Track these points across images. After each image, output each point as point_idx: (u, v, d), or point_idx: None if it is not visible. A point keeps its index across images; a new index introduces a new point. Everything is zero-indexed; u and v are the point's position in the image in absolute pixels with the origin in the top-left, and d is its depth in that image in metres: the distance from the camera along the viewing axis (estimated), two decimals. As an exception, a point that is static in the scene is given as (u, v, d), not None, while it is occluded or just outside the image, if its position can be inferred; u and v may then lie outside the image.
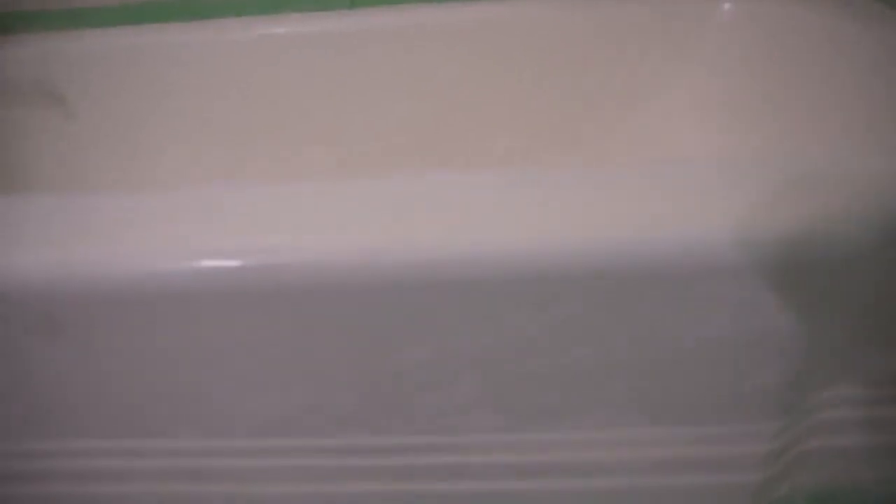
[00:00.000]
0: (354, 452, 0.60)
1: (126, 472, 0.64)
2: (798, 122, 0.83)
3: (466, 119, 1.03)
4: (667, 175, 0.51)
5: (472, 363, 0.53)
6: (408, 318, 0.49)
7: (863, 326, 0.54)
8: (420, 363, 0.52)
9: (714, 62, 0.89)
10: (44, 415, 0.60)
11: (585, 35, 0.95)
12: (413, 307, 0.49)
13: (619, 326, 0.51)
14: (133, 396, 0.57)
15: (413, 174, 0.53)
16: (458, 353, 0.52)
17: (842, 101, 0.77)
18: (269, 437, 0.60)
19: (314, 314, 0.50)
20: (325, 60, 0.99)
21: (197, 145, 1.10)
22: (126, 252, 0.49)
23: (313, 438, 0.60)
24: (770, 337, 0.51)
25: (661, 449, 0.62)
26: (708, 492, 0.63)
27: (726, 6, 0.86)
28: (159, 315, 0.51)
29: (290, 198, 0.51)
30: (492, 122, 1.03)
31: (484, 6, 0.98)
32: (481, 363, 0.53)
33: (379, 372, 0.53)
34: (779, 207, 0.46)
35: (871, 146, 0.67)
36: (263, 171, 1.09)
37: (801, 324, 0.50)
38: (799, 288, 0.49)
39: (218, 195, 0.51)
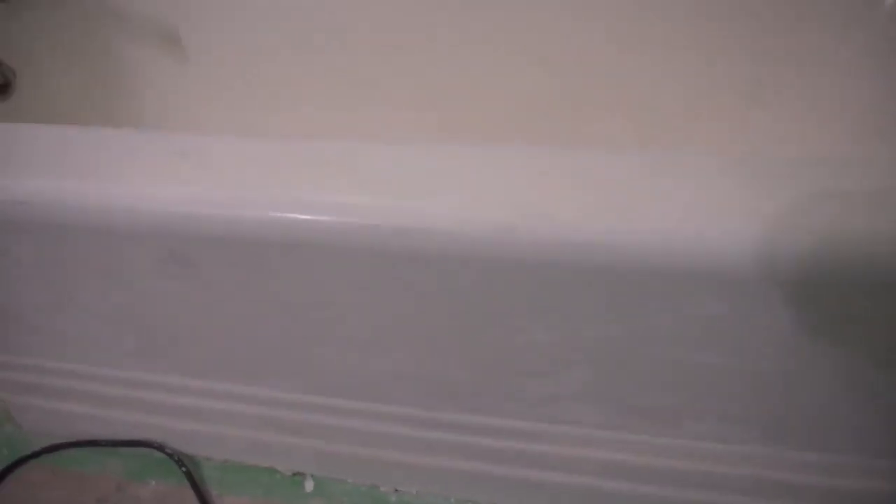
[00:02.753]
0: (447, 427, 0.59)
1: (220, 415, 0.65)
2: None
3: (584, 94, 0.99)
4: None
5: (589, 353, 0.50)
6: (535, 298, 0.47)
7: None
8: (537, 346, 0.50)
9: (866, 60, 0.81)
10: (155, 349, 0.61)
11: (728, 11, 0.89)
12: (543, 288, 0.46)
13: (758, 333, 0.48)
14: (241, 341, 0.58)
15: (559, 148, 0.49)
16: (579, 340, 0.49)
17: None
18: (365, 400, 0.59)
19: (437, 282, 0.48)
20: (450, 18, 0.97)
21: (305, 97, 1.10)
22: (254, 196, 0.48)
23: (409, 408, 0.59)
24: None
25: (771, 471, 0.58)
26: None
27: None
28: (279, 264, 0.50)
29: (425, 159, 0.49)
30: (609, 100, 0.98)
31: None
32: (599, 354, 0.50)
33: (493, 350, 0.51)
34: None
35: None
36: (367, 128, 1.08)
37: None
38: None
39: (353, 149, 0.49)
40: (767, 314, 0.46)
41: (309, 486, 0.67)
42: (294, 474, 0.68)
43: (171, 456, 0.69)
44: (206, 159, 0.52)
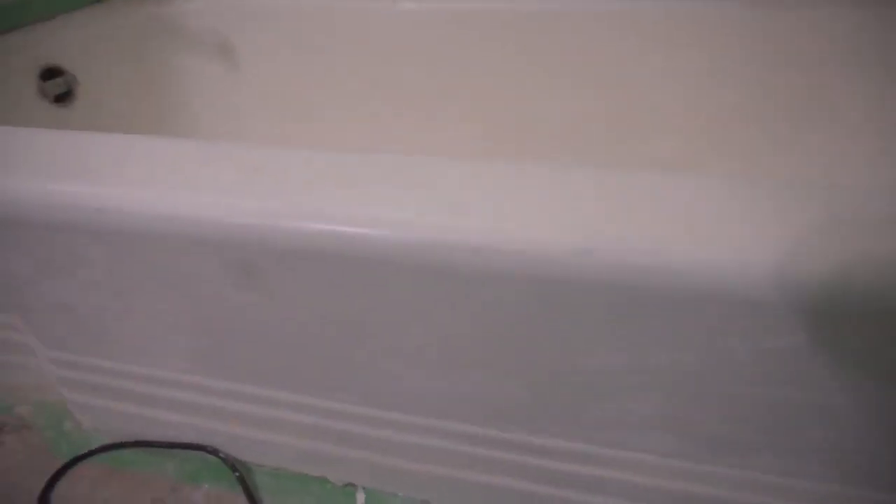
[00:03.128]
0: (505, 446, 0.58)
1: (274, 422, 0.65)
2: None
3: (634, 115, 0.97)
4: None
5: (661, 379, 0.49)
6: (606, 321, 0.46)
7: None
8: (607, 371, 0.49)
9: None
10: (214, 355, 0.62)
11: (786, 35, 0.87)
12: (614, 311, 0.45)
13: (837, 369, 0.46)
14: (301, 352, 0.58)
15: (631, 170, 0.48)
16: (652, 366, 0.48)
17: None
18: (422, 415, 0.59)
19: (506, 303, 0.47)
20: (505, 39, 0.97)
21: (348, 109, 1.11)
22: (323, 210, 0.48)
23: (466, 425, 0.58)
24: None
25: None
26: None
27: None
28: (345, 278, 0.50)
29: (499, 176, 0.48)
30: (661, 122, 0.97)
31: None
32: (671, 381, 0.49)
33: (558, 372, 0.50)
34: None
35: None
36: (412, 143, 1.08)
37: None
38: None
39: (426, 164, 0.49)
40: (850, 349, 0.44)
41: (360, 498, 0.67)
42: (345, 485, 0.68)
43: (224, 461, 0.70)
44: (277, 172, 0.52)
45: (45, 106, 0.89)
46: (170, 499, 0.69)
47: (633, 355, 0.47)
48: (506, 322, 0.49)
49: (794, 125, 0.95)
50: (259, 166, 0.53)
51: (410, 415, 0.59)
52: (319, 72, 1.09)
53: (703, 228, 0.43)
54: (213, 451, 0.70)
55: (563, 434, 0.55)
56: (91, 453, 0.73)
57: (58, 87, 0.90)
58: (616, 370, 0.49)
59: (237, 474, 0.68)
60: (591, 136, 0.99)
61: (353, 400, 0.60)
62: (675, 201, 0.45)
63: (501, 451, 0.58)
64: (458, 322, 0.50)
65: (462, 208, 0.46)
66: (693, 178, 0.48)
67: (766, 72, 0.91)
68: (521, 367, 0.51)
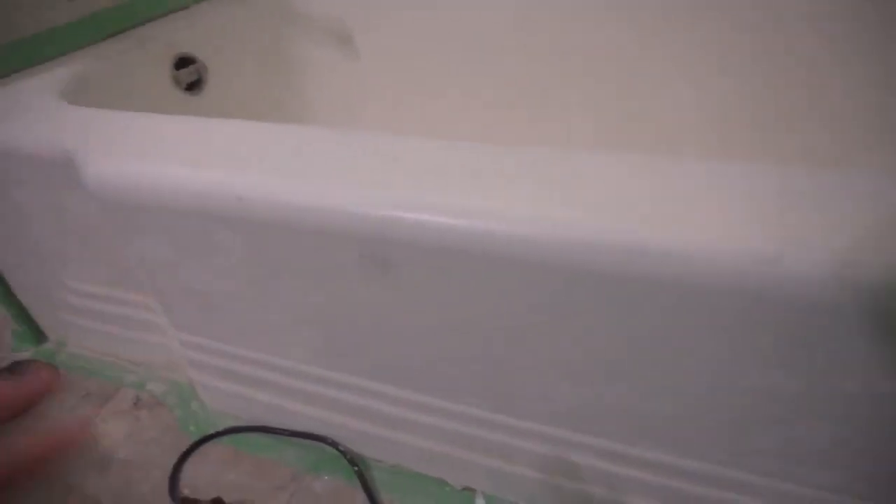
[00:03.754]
0: (640, 465, 0.53)
1: (397, 420, 0.64)
2: None
3: (776, 105, 0.88)
4: None
5: (838, 407, 0.42)
6: (784, 339, 0.40)
7: None
8: (775, 393, 0.43)
9: None
10: (342, 349, 0.61)
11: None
12: (798, 330, 0.39)
13: None
14: (430, 352, 0.55)
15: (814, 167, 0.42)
16: (828, 393, 0.41)
17: None
18: (556, 426, 0.55)
19: (663, 311, 0.42)
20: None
21: (462, 99, 1.08)
22: (467, 206, 0.45)
23: (603, 440, 0.54)
24: None
25: None
26: None
27: None
28: (484, 279, 0.47)
29: (650, 174, 0.43)
30: (809, 113, 0.87)
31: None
32: (846, 409, 0.42)
33: (719, 391, 0.45)
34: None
35: None
36: (525, 134, 1.04)
37: None
38: None
39: (567, 159, 0.45)
40: None
41: (480, 502, 0.64)
42: (464, 489, 0.66)
43: (343, 454, 0.69)
44: (417, 163, 0.50)
45: (177, 93, 0.92)
46: (291, 487, 0.69)
47: (810, 379, 0.41)
48: (661, 334, 0.44)
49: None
50: (398, 156, 0.51)
51: (542, 424, 0.55)
52: (434, 62, 1.07)
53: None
54: (333, 444, 0.70)
55: (717, 460, 0.50)
56: (217, 434, 0.75)
57: (190, 75, 0.93)
58: (786, 393, 0.42)
59: (356, 469, 0.68)
60: (725, 128, 0.90)
61: (481, 404, 0.57)
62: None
63: (637, 469, 0.53)
64: (608, 330, 0.45)
65: (619, 207, 0.41)
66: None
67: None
68: (674, 383, 0.46)
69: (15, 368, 0.87)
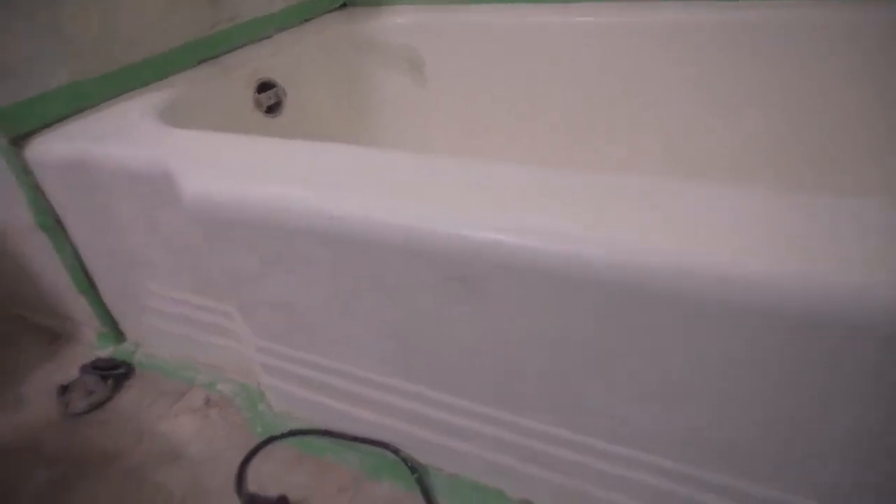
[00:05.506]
0: (710, 489, 0.55)
1: (459, 430, 0.67)
2: None
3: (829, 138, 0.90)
4: None
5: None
6: (878, 371, 0.42)
7: None
8: (856, 430, 0.45)
9: None
10: (413, 359, 0.65)
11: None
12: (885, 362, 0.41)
13: None
14: (501, 366, 0.59)
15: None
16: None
17: None
18: (623, 445, 0.57)
19: (745, 338, 0.45)
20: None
21: (523, 123, 1.12)
22: (548, 228, 0.49)
23: (673, 462, 0.55)
24: None
25: None
26: None
27: None
28: (564, 299, 0.50)
29: (737, 203, 0.46)
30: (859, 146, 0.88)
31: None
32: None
33: (801, 421, 0.47)
34: None
35: None
36: (589, 158, 1.07)
37: None
38: None
39: (653, 186, 0.48)
40: None
41: (536, 516, 0.67)
42: (521, 500, 0.68)
43: (404, 461, 0.73)
44: (500, 187, 0.54)
45: (258, 115, 0.99)
46: (352, 489, 0.73)
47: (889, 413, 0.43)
48: (742, 361, 0.46)
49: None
50: (481, 180, 0.55)
51: (608, 442, 0.57)
52: (499, 86, 1.12)
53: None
54: (395, 450, 0.73)
55: (792, 489, 0.51)
56: (283, 435, 0.79)
57: (269, 98, 0.99)
58: (863, 427, 0.44)
59: (416, 476, 0.71)
60: (787, 157, 0.92)
61: (544, 419, 0.60)
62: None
63: (705, 492, 0.55)
64: (686, 355, 0.48)
65: (707, 235, 0.44)
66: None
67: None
68: (755, 409, 0.48)
69: (98, 364, 0.94)
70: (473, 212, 0.51)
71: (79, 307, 0.96)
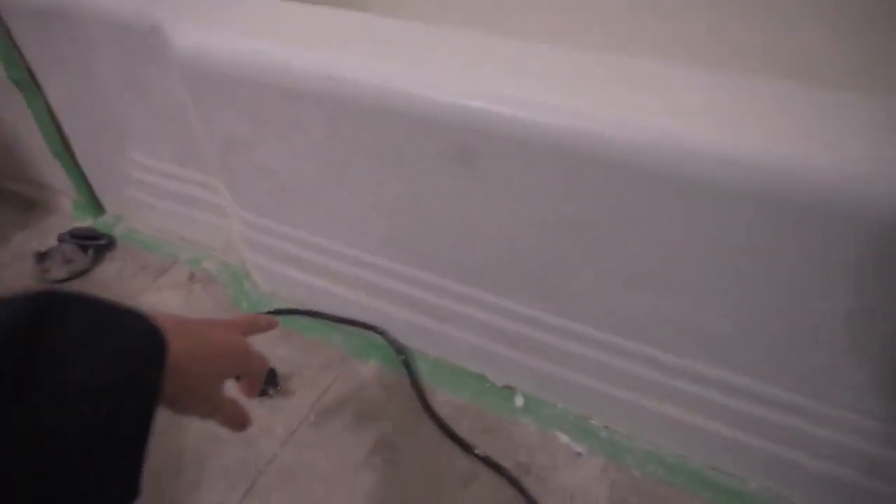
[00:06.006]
0: (689, 378, 0.56)
1: (445, 314, 0.67)
2: None
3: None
4: None
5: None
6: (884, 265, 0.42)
7: None
8: (837, 316, 0.45)
9: None
10: (404, 239, 0.63)
11: None
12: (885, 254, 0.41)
13: None
14: (493, 249, 0.58)
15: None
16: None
17: None
18: (604, 331, 0.58)
19: (745, 224, 0.44)
20: None
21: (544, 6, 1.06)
22: (559, 104, 0.46)
23: (653, 349, 0.56)
24: None
25: None
26: None
27: None
28: (569, 177, 0.48)
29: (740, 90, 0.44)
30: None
31: None
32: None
33: (782, 313, 0.47)
34: None
35: None
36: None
37: None
38: None
39: (659, 68, 0.46)
40: None
41: (519, 401, 0.68)
42: (504, 387, 0.69)
43: (390, 343, 0.73)
44: (508, 60, 0.51)
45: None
46: (338, 367, 0.73)
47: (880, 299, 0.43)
48: (740, 246, 0.45)
49: None
50: (485, 52, 0.52)
51: (590, 327, 0.58)
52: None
53: None
54: (381, 332, 0.73)
55: (759, 373, 0.52)
56: (272, 313, 0.79)
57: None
58: (853, 313, 0.44)
59: (402, 357, 0.71)
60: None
61: (531, 303, 0.60)
62: None
63: (686, 382, 0.56)
64: (681, 239, 0.47)
65: (712, 117, 0.42)
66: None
67: None
68: (737, 299, 0.48)
69: (76, 233, 0.90)
70: (474, 82, 0.49)
71: (54, 174, 0.92)
